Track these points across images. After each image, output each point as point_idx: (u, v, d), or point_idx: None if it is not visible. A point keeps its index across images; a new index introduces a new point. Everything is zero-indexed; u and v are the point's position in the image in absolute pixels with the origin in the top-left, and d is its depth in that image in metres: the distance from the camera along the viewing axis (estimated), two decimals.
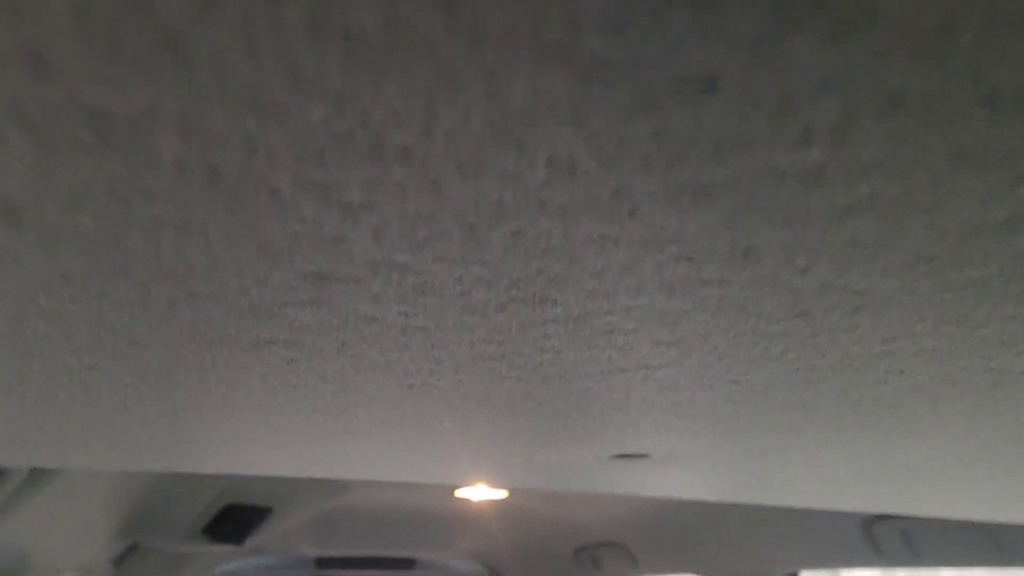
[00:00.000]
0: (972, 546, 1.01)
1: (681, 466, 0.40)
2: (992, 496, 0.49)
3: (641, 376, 0.24)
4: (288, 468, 0.47)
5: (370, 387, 0.25)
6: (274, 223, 0.14)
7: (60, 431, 0.34)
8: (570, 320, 0.19)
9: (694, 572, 1.65)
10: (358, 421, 0.31)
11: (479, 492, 1.41)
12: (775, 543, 1.35)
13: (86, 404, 0.29)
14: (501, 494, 1.42)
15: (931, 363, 0.22)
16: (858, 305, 0.18)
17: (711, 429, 0.31)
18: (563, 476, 0.46)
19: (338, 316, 0.19)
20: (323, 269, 0.16)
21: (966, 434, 0.30)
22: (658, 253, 0.15)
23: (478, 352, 0.22)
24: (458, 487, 1.35)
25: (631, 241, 0.15)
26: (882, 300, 0.17)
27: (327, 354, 0.22)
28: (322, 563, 2.06)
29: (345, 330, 0.20)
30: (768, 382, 0.24)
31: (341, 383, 0.25)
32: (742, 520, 1.37)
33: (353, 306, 0.18)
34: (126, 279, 0.16)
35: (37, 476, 0.73)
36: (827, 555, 1.26)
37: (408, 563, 2.17)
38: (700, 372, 0.23)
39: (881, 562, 1.15)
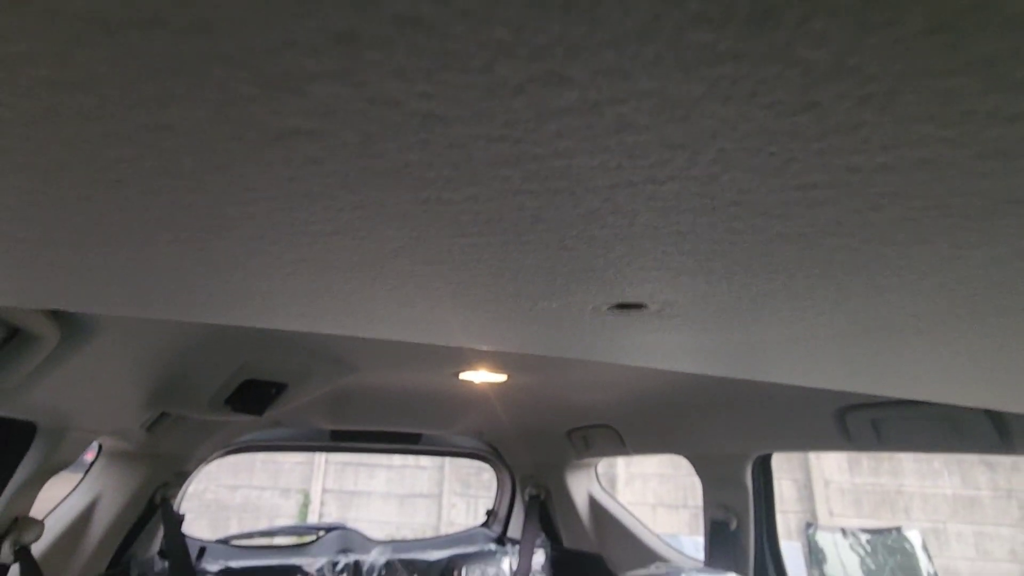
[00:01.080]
0: (932, 433, 1.09)
1: (675, 321, 0.42)
2: (955, 378, 0.53)
3: (647, 194, 0.24)
4: (306, 322, 0.49)
5: (388, 201, 0.26)
6: None
7: (84, 270, 0.36)
8: (584, 110, 0.19)
9: (675, 452, 1.79)
10: (374, 248, 0.32)
11: (480, 376, 1.50)
12: (751, 428, 1.45)
13: (111, 229, 0.30)
14: (501, 378, 1.51)
15: (928, 183, 0.22)
16: (867, 95, 0.18)
17: (707, 270, 0.32)
18: (559, 335, 0.49)
19: (363, 97, 0.19)
20: (351, 26, 0.16)
21: (939, 293, 0.31)
22: (678, 10, 0.15)
23: (493, 155, 0.22)
24: (461, 370, 1.44)
25: None
26: (889, 91, 0.17)
27: (350, 151, 0.22)
28: (335, 435, 2.24)
29: (369, 117, 0.20)
30: (767, 206, 0.25)
31: (362, 193, 0.25)
32: (721, 408, 1.47)
33: (378, 83, 0.18)
34: (160, 28, 0.16)
35: (68, 343, 0.77)
36: (800, 439, 1.37)
37: (414, 438, 2.36)
38: (704, 188, 0.24)
39: (849, 446, 1.25)
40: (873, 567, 5.81)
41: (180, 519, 1.90)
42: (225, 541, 2.24)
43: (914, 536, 5.91)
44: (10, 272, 0.37)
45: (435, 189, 0.25)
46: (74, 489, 1.57)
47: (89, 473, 1.59)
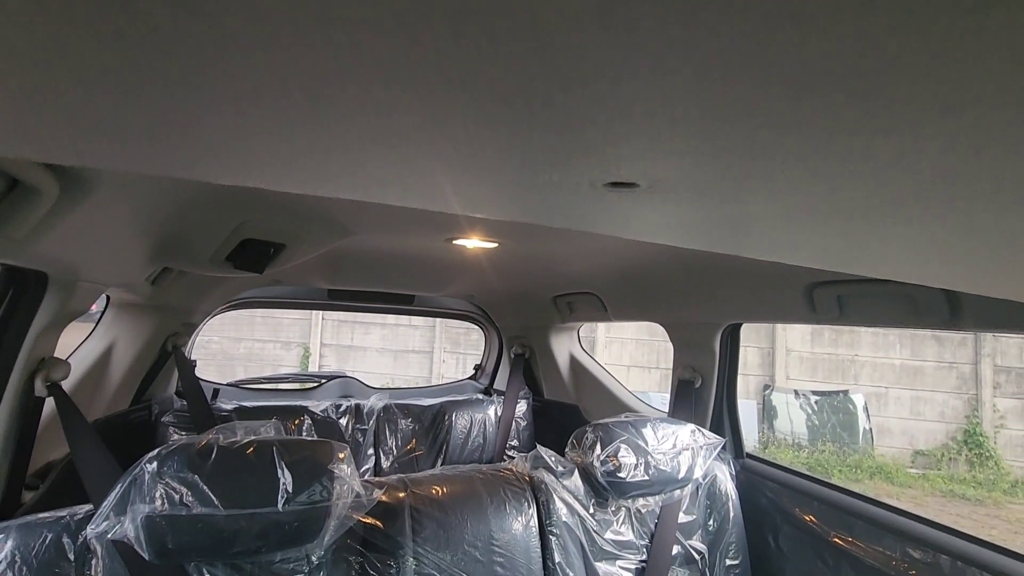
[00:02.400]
0: (892, 309, 1.18)
1: (664, 198, 0.45)
2: (915, 259, 0.57)
3: (650, 84, 0.26)
4: (305, 184, 0.50)
5: (400, 65, 0.26)
6: None
7: (73, 119, 0.35)
8: (602, 8, 0.21)
9: (653, 320, 1.92)
10: (390, 118, 0.32)
11: (472, 242, 1.55)
12: (725, 300, 1.55)
13: (104, 74, 0.29)
14: (492, 245, 1.56)
15: (891, 83, 0.25)
16: None
17: (696, 151, 0.35)
18: (557, 207, 0.52)
19: None
20: None
21: (901, 180, 0.35)
22: None
23: (513, 47, 0.23)
24: (454, 236, 1.48)
25: None
26: None
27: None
28: (333, 294, 2.35)
29: None
30: (752, 100, 0.27)
31: (374, 57, 0.26)
32: (698, 280, 1.55)
33: None
34: None
35: (67, 197, 0.79)
36: (770, 312, 1.48)
37: (408, 298, 2.47)
38: (698, 83, 0.26)
39: (815, 319, 1.35)
40: (817, 423, 6.53)
41: (192, 364, 2.05)
42: (236, 385, 2.44)
43: (858, 398, 6.57)
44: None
45: (451, 61, 0.26)
46: (89, 335, 1.67)
47: (101, 322, 1.68)
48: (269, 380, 2.72)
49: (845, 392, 6.61)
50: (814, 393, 6.63)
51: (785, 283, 1.31)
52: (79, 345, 1.63)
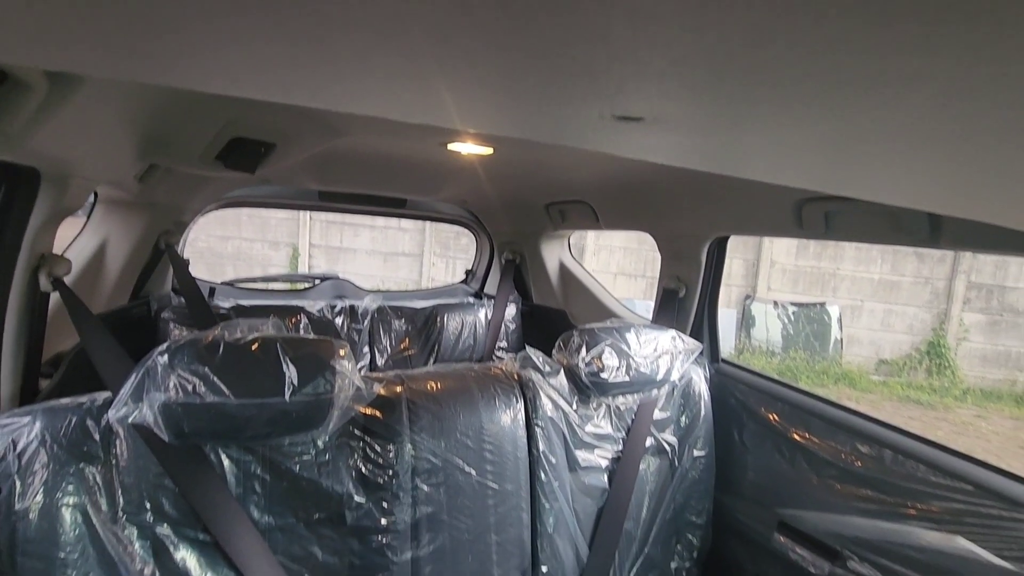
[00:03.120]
0: (876, 226, 1.21)
1: (667, 130, 0.47)
2: (901, 183, 0.60)
3: (657, 22, 0.27)
4: (291, 94, 0.50)
5: None
6: None
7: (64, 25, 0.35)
8: None
9: (643, 230, 1.95)
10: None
11: (468, 148, 1.52)
12: (715, 213, 1.57)
13: None
14: (487, 151, 1.53)
15: (877, 30, 0.26)
16: None
17: (698, 90, 0.37)
18: (563, 131, 0.53)
19: None
20: None
21: (887, 117, 0.37)
22: None
23: None
24: (449, 141, 1.45)
25: None
26: None
27: None
28: (324, 195, 2.32)
29: None
30: (752, 40, 0.28)
31: None
32: (690, 192, 1.56)
33: None
34: None
35: (56, 92, 0.77)
36: (758, 225, 1.51)
37: (400, 202, 2.46)
38: (699, 23, 0.27)
39: (801, 234, 1.39)
40: (792, 332, 6.85)
41: (186, 263, 2.07)
42: (231, 284, 2.48)
43: (833, 310, 6.85)
44: None
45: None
46: (80, 232, 1.67)
47: (91, 219, 1.67)
48: (264, 280, 2.76)
49: (822, 304, 6.87)
50: (793, 304, 6.88)
51: (775, 198, 1.33)
52: (71, 243, 1.64)
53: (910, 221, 1.12)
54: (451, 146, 1.48)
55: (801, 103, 0.38)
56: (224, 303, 2.05)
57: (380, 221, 7.35)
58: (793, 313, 6.90)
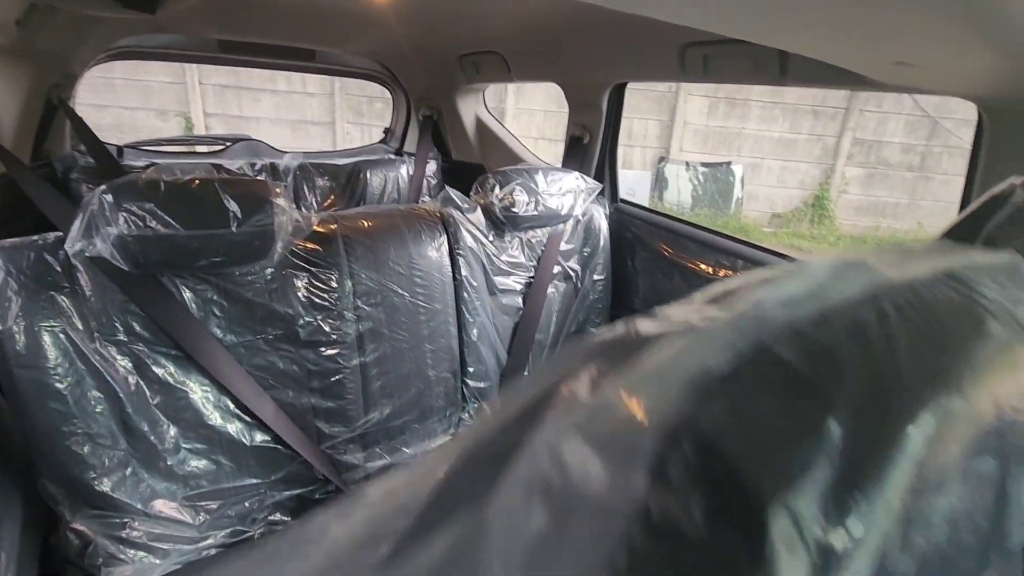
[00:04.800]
0: (742, 68, 1.41)
1: None
2: (759, 19, 0.75)
3: None
4: None
5: None
6: None
7: None
8: None
9: (552, 80, 2.06)
10: None
11: None
12: (611, 59, 1.71)
13: None
14: None
15: None
16: None
17: None
18: None
19: None
20: None
21: None
22: None
23: None
24: None
25: None
26: None
27: None
28: (225, 46, 2.18)
29: None
30: None
31: None
32: (589, 38, 1.68)
33: None
34: None
35: None
36: (647, 70, 1.67)
37: (309, 54, 2.36)
38: None
39: (684, 77, 1.56)
40: (701, 192, 7.37)
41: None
42: (135, 146, 2.37)
43: (737, 169, 7.38)
44: None
45: None
46: None
47: None
48: (170, 142, 2.63)
49: (728, 163, 7.36)
50: (702, 165, 7.33)
51: (662, 44, 1.49)
52: None
53: (766, 60, 1.32)
54: None
55: None
56: (137, 162, 2.00)
57: (283, 85, 6.76)
58: (703, 173, 7.36)
